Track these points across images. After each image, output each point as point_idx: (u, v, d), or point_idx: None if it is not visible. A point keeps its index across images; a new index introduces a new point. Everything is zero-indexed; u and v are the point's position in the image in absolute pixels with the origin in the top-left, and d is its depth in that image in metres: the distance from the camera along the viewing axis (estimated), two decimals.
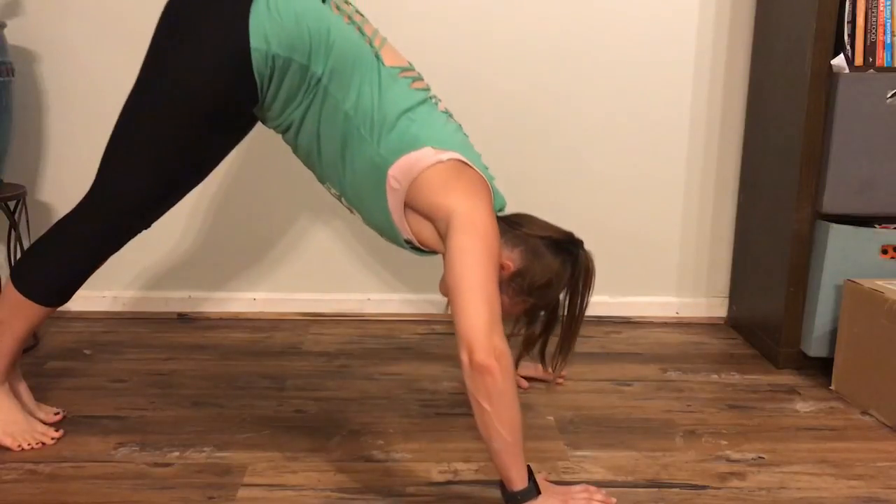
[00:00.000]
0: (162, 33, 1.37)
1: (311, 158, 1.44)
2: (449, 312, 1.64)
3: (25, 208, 2.06)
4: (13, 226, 1.98)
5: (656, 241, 2.30)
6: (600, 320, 2.29)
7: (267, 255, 2.27)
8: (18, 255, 2.07)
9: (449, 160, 1.33)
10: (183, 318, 2.26)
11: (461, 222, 1.27)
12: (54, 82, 2.15)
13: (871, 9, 1.78)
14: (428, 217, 1.35)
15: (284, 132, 1.44)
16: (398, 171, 1.34)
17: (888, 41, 1.80)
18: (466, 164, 1.35)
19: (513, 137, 2.20)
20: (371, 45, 1.39)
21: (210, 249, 2.26)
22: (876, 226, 1.84)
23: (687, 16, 2.16)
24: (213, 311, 2.28)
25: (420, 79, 1.44)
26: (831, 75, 1.80)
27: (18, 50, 2.07)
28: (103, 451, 1.48)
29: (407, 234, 1.40)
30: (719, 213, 2.29)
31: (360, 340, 2.12)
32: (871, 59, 1.80)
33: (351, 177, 1.39)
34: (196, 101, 1.34)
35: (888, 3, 1.78)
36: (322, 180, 1.47)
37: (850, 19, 1.79)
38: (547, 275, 1.46)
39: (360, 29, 1.39)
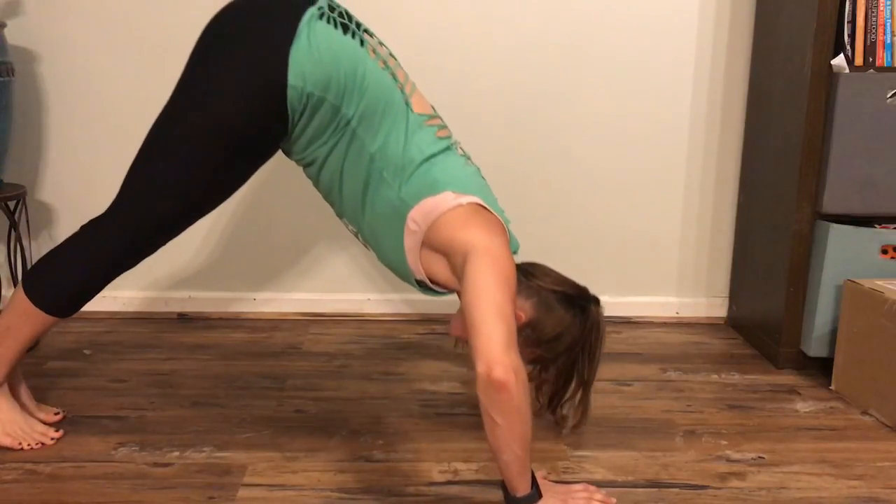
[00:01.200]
0: (201, 57, 1.37)
1: (331, 195, 1.45)
2: (458, 351, 1.65)
3: (25, 208, 2.06)
4: (13, 226, 1.98)
5: (656, 241, 2.30)
6: None
7: (267, 255, 2.27)
8: (18, 255, 2.07)
9: (468, 203, 1.35)
10: (183, 318, 2.26)
11: (480, 252, 1.28)
12: (54, 82, 2.15)
13: (871, 9, 1.78)
14: (445, 252, 1.36)
15: (307, 166, 1.45)
16: (418, 215, 1.35)
17: (888, 41, 1.80)
18: (485, 207, 1.37)
19: (512, 137, 2.20)
20: (402, 91, 1.40)
21: (210, 249, 2.26)
22: (876, 226, 1.84)
23: (687, 16, 2.16)
24: (213, 311, 2.28)
25: (444, 127, 1.46)
26: (831, 75, 1.80)
27: (18, 50, 2.07)
28: (103, 451, 1.48)
29: (420, 274, 1.42)
30: (719, 213, 2.29)
31: (360, 340, 2.12)
32: (871, 59, 1.80)
33: (370, 216, 1.41)
34: (228, 130, 1.34)
35: (888, 3, 1.78)
36: (340, 215, 1.49)
37: (850, 19, 1.79)
38: (557, 328, 1.47)
39: (393, 74, 1.40)
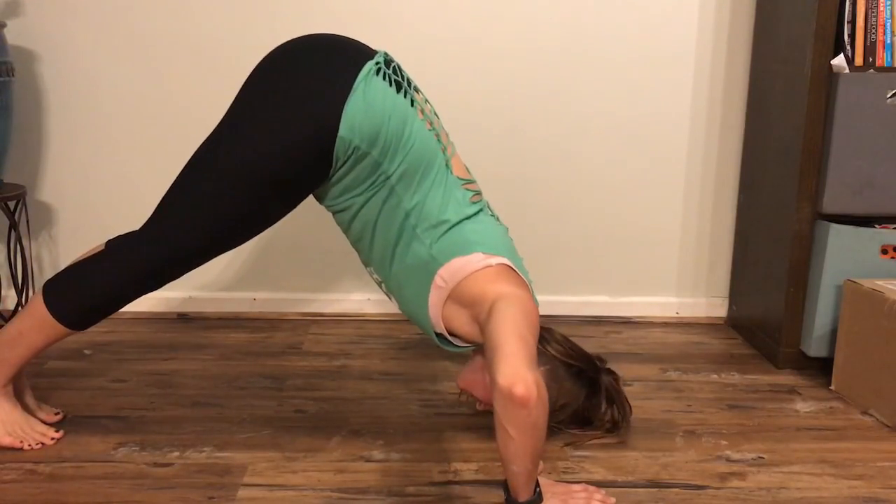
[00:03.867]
0: (254, 96, 1.38)
1: (361, 243, 1.46)
2: (463, 399, 1.67)
3: (25, 208, 2.06)
4: (13, 226, 1.98)
5: (656, 241, 2.30)
6: (600, 320, 2.29)
7: (267, 255, 2.27)
8: (18, 255, 2.07)
9: (497, 265, 1.37)
10: (183, 318, 2.26)
11: (506, 298, 1.30)
12: (54, 82, 2.15)
13: (871, 9, 1.78)
14: (470, 304, 1.37)
15: (338, 213, 1.45)
16: (446, 273, 1.37)
17: (888, 41, 1.80)
18: (513, 268, 1.39)
19: (512, 139, 2.20)
20: (444, 153, 1.42)
21: None
22: (876, 226, 1.84)
23: (687, 16, 2.16)
24: (213, 311, 2.28)
25: (479, 192, 1.48)
26: (831, 75, 1.80)
27: (18, 50, 2.07)
28: (103, 451, 1.48)
29: (439, 328, 1.43)
30: (719, 213, 2.29)
31: (360, 340, 2.12)
32: (871, 59, 1.80)
33: (398, 268, 1.42)
34: (273, 172, 1.34)
35: (888, 3, 1.78)
36: (366, 264, 1.51)
37: (850, 19, 1.79)
38: (564, 398, 1.51)
39: (437, 136, 1.42)
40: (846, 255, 1.83)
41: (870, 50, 1.80)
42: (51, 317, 1.42)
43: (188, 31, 2.12)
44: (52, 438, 1.51)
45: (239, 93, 1.40)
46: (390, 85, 1.36)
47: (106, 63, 2.13)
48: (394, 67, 1.40)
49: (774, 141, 2.00)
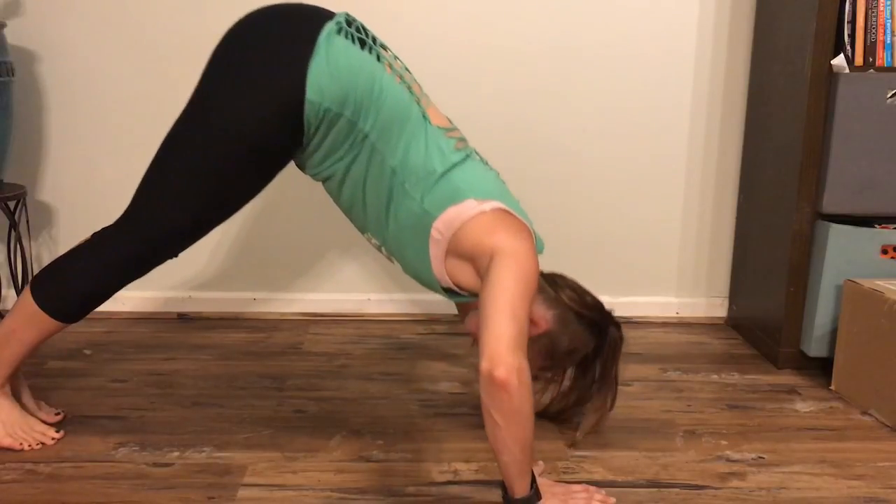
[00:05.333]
0: (218, 69, 1.37)
1: (354, 210, 1.46)
2: (473, 348, 1.66)
3: (25, 208, 2.06)
4: (13, 226, 1.98)
5: (656, 241, 2.30)
6: None
7: (267, 255, 2.27)
8: (18, 255, 2.07)
9: (491, 210, 1.35)
10: (183, 318, 2.26)
11: (504, 255, 1.28)
12: (54, 82, 2.15)
13: (871, 9, 1.78)
14: (470, 258, 1.36)
15: (325, 181, 1.45)
16: (441, 224, 1.36)
17: (888, 41, 1.80)
18: (508, 211, 1.37)
19: (512, 139, 2.20)
20: (419, 104, 1.41)
21: (210, 250, 2.26)
22: (876, 226, 1.84)
23: (687, 16, 2.16)
24: (213, 311, 2.28)
25: (463, 139, 1.46)
26: (831, 75, 1.80)
27: (18, 50, 2.07)
28: (103, 451, 1.48)
29: (445, 282, 1.42)
30: (719, 213, 2.29)
31: (360, 340, 2.12)
32: (871, 59, 1.80)
33: (394, 229, 1.41)
34: (244, 143, 1.34)
35: (888, 3, 1.78)
36: (363, 230, 1.50)
37: (850, 19, 1.79)
38: (573, 344, 1.48)
39: (409, 88, 1.41)
40: (846, 255, 1.83)
41: (870, 50, 1.80)
42: (41, 311, 1.42)
43: (188, 31, 2.12)
44: (52, 438, 1.51)
45: (204, 68, 1.39)
46: (353, 43, 1.35)
47: (106, 63, 2.14)
48: (356, 26, 1.38)
49: (774, 141, 2.00)
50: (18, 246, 2.00)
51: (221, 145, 1.34)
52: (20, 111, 2.08)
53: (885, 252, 1.84)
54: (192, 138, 1.36)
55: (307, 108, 1.31)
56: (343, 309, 2.30)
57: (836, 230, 1.83)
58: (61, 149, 2.19)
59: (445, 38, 2.14)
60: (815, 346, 1.89)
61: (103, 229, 1.44)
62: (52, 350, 1.97)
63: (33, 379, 1.69)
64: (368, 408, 1.70)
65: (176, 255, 1.47)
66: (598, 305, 1.52)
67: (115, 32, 2.12)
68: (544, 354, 1.47)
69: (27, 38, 2.10)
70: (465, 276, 1.39)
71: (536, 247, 1.42)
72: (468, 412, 1.68)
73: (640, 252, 2.30)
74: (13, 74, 1.95)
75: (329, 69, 1.31)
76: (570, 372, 1.55)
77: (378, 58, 1.37)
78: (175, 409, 1.67)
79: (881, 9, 1.78)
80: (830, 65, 1.80)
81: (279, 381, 1.82)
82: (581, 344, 1.49)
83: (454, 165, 1.38)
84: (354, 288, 2.30)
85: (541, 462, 1.44)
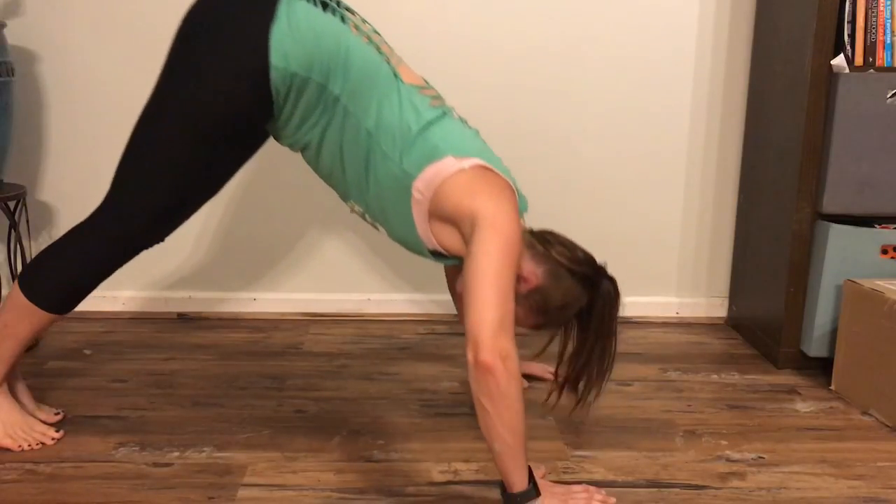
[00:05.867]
0: (180, 46, 1.37)
1: (333, 177, 1.45)
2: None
3: (25, 208, 2.06)
4: (13, 226, 1.98)
5: (656, 241, 2.30)
6: None
7: (267, 255, 2.27)
8: (18, 255, 2.07)
9: (471, 167, 1.34)
10: (183, 318, 2.26)
11: (484, 224, 1.27)
12: (54, 82, 2.15)
13: (871, 9, 1.78)
14: (453, 221, 1.35)
15: (303, 150, 1.44)
16: (421, 183, 1.35)
17: (888, 41, 1.80)
18: (488, 168, 1.36)
19: (512, 137, 2.20)
20: (388, 63, 1.39)
21: (210, 249, 2.26)
22: (876, 226, 1.84)
23: (687, 16, 2.16)
24: (213, 311, 2.28)
25: (438, 97, 1.45)
26: (831, 75, 1.80)
27: (18, 50, 2.07)
28: (103, 451, 1.48)
29: (432, 244, 1.41)
30: (719, 213, 2.29)
31: (360, 340, 2.12)
32: (871, 59, 1.80)
33: (375, 193, 1.40)
34: (213, 117, 1.34)
35: (888, 3, 1.78)
36: (345, 198, 1.48)
37: (850, 19, 1.79)
38: (565, 298, 1.45)
39: (377, 48, 1.40)
40: (846, 255, 1.83)
41: (870, 50, 1.80)
42: (31, 304, 1.41)
43: None
44: (52, 438, 1.50)
45: (170, 46, 1.38)
46: (315, 6, 1.34)
47: (106, 63, 2.13)
48: None
49: (774, 141, 2.00)
50: (18, 246, 2.00)
51: (192, 122, 1.34)
52: (20, 111, 2.08)
53: (885, 252, 1.84)
54: (163, 117, 1.36)
55: (273, 74, 1.30)
56: (343, 309, 2.30)
57: (836, 230, 1.83)
58: (61, 149, 2.19)
59: (445, 38, 2.14)
60: (815, 346, 1.89)
61: (86, 218, 1.43)
62: (52, 350, 1.97)
63: (33, 379, 1.69)
64: (368, 408, 1.70)
65: (162, 239, 1.46)
66: (590, 260, 1.49)
67: (115, 32, 2.12)
68: (537, 311, 1.45)
69: (27, 38, 2.10)
70: (450, 239, 1.39)
71: (520, 205, 1.41)
72: (468, 412, 1.68)
73: (640, 252, 2.30)
74: (13, 74, 1.94)
75: (292, 32, 1.30)
76: (573, 334, 1.51)
77: (343, 19, 1.36)
78: (175, 409, 1.67)
79: (881, 9, 1.78)
80: (830, 65, 1.80)
81: (279, 381, 1.82)
82: (573, 299, 1.46)
83: (430, 123, 1.37)
84: (354, 288, 2.30)
85: (542, 466, 1.43)
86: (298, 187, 2.19)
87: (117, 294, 2.25)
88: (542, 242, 1.46)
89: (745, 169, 2.21)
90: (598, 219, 2.27)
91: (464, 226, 1.32)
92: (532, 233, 1.47)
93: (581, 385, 1.48)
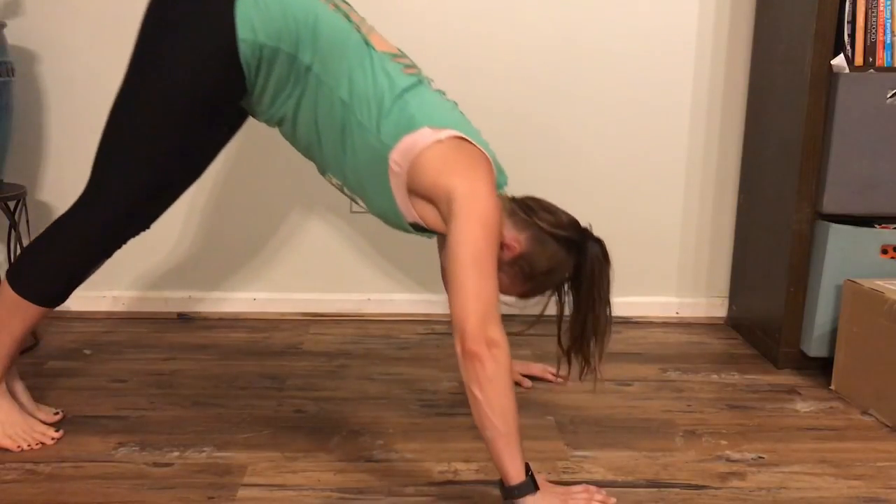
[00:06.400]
0: (147, 28, 1.37)
1: (311, 150, 1.44)
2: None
3: (25, 208, 2.06)
4: (13, 226, 1.98)
5: (656, 241, 2.30)
6: None
7: (267, 254, 2.27)
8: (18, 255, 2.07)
9: (447, 138, 1.33)
10: (183, 318, 2.25)
11: (461, 206, 1.27)
12: (54, 82, 2.15)
13: (871, 9, 1.78)
14: (430, 199, 1.35)
15: (279, 124, 1.44)
16: (398, 154, 1.34)
17: (888, 41, 1.80)
18: (465, 139, 1.35)
19: (512, 137, 2.20)
20: (359, 31, 1.39)
21: (210, 249, 2.26)
22: (876, 226, 1.84)
23: (687, 16, 2.16)
24: (213, 311, 2.28)
25: (412, 65, 1.44)
26: (831, 75, 1.80)
27: (18, 50, 2.07)
28: (103, 451, 1.48)
29: (412, 217, 1.40)
30: (719, 213, 2.29)
31: (360, 340, 2.12)
32: (871, 59, 1.80)
33: (353, 164, 1.39)
34: (185, 96, 1.34)
35: (888, 3, 1.78)
36: (323, 171, 1.47)
37: (850, 19, 1.79)
38: (550, 263, 1.44)
39: (346, 16, 1.39)
40: (846, 254, 1.83)
41: (870, 50, 1.80)
42: (22, 299, 1.41)
43: None
44: (52, 438, 1.50)
45: (138, 29, 1.37)
46: None
47: (106, 63, 2.13)
48: None
49: (774, 141, 2.00)
50: (18, 246, 2.00)
51: (165, 102, 1.34)
52: (20, 111, 2.08)
53: (885, 252, 1.84)
54: (137, 99, 1.36)
55: (242, 47, 1.30)
56: (343, 309, 2.30)
57: (836, 230, 1.83)
58: (61, 149, 2.19)
59: (445, 38, 2.14)
60: (815, 346, 1.89)
61: (68, 209, 1.43)
62: (52, 350, 1.97)
63: (32, 379, 1.69)
64: (368, 408, 1.70)
65: (147, 226, 1.46)
66: (574, 223, 1.48)
67: (115, 32, 2.11)
68: (523, 278, 1.45)
69: (27, 38, 2.10)
70: (431, 216, 1.38)
71: (499, 179, 1.41)
72: (468, 412, 1.67)
73: (640, 252, 2.30)
74: (13, 74, 1.94)
75: (257, 4, 1.30)
76: (567, 301, 1.50)
77: None
78: (175, 409, 1.67)
79: (881, 9, 1.78)
80: (830, 65, 1.80)
81: (279, 381, 1.82)
82: (559, 263, 1.45)
83: (405, 90, 1.36)
84: (354, 288, 2.30)
85: (541, 472, 1.43)
86: (299, 187, 2.19)
87: (117, 294, 2.25)
88: (525, 209, 1.45)
89: (745, 169, 2.21)
90: (597, 218, 2.25)
91: (440, 205, 1.32)
92: (514, 199, 1.47)
93: (587, 348, 1.46)
